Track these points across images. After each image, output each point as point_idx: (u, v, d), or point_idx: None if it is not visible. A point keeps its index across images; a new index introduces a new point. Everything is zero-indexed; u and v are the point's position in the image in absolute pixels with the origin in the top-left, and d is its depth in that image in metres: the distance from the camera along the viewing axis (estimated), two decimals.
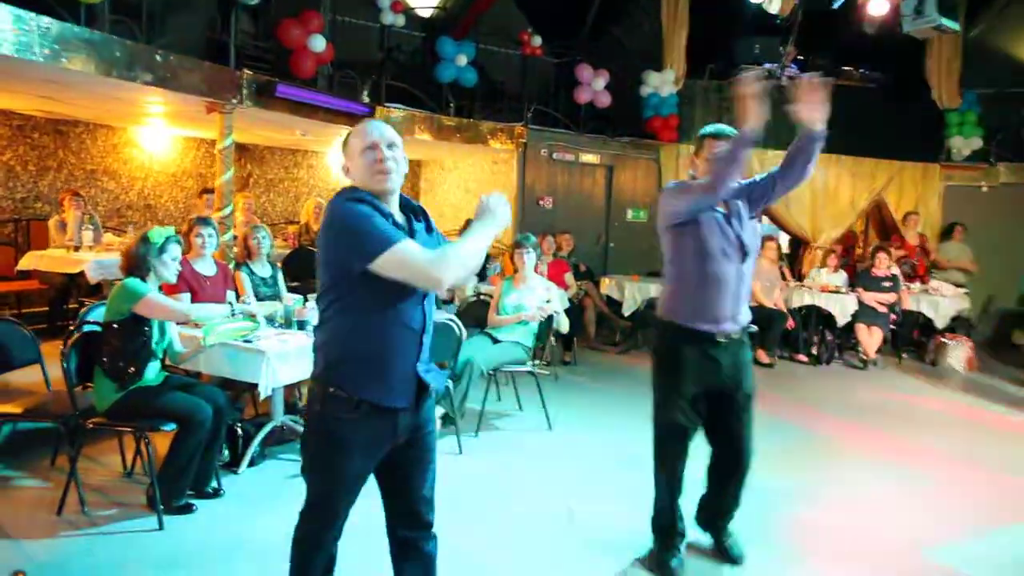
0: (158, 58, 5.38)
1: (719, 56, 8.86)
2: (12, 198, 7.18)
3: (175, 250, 3.16)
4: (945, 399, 6.31)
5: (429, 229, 1.90)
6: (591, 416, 5.05)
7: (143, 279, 3.09)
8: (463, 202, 9.49)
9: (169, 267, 3.15)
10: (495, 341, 4.67)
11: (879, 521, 3.54)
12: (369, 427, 1.78)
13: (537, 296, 4.67)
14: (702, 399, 2.57)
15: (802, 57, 7.62)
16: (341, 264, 1.71)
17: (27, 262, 5.96)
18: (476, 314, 4.98)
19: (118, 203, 8.09)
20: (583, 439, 4.52)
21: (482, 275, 6.34)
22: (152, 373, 3.13)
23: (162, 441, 3.21)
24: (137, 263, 3.05)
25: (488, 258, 6.52)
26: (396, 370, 1.78)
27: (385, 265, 1.66)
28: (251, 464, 3.64)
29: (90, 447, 3.70)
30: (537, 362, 4.60)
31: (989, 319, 8.70)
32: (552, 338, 4.76)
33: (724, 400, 2.57)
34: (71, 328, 3.12)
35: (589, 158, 8.98)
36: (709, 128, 2.51)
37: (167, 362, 3.22)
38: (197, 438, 3.01)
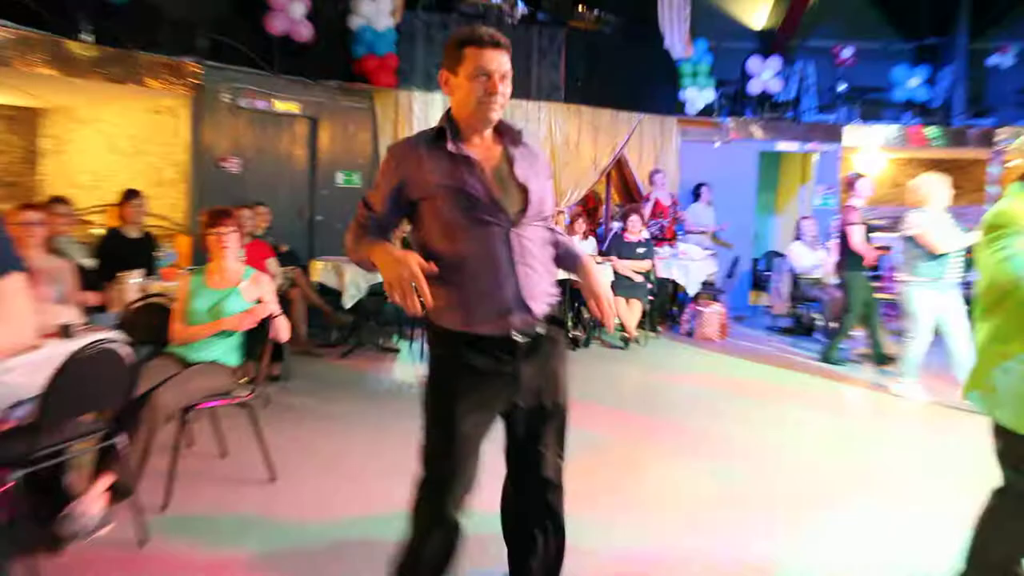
0: None
1: None
2: None
3: None
4: (719, 375, 6.75)
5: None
6: (325, 452, 4.50)
7: None
8: (109, 168, 8.17)
9: None
10: (185, 364, 3.92)
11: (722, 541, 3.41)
12: None
13: (245, 294, 4.13)
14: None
15: None
16: None
17: None
18: (148, 325, 4.13)
19: None
20: (320, 490, 3.94)
21: (149, 267, 5.70)
22: None
23: None
24: None
25: (152, 242, 6.06)
26: None
27: None
28: None
29: None
30: (245, 385, 4.06)
31: (733, 283, 9.36)
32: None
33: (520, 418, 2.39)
34: None
35: (287, 107, 8.36)
36: (468, 32, 2.21)
37: None
38: None
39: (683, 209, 9.35)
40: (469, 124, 2.17)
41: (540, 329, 2.21)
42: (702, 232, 9.35)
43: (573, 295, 7.35)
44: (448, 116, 2.19)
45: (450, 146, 2.12)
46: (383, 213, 2.17)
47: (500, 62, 2.11)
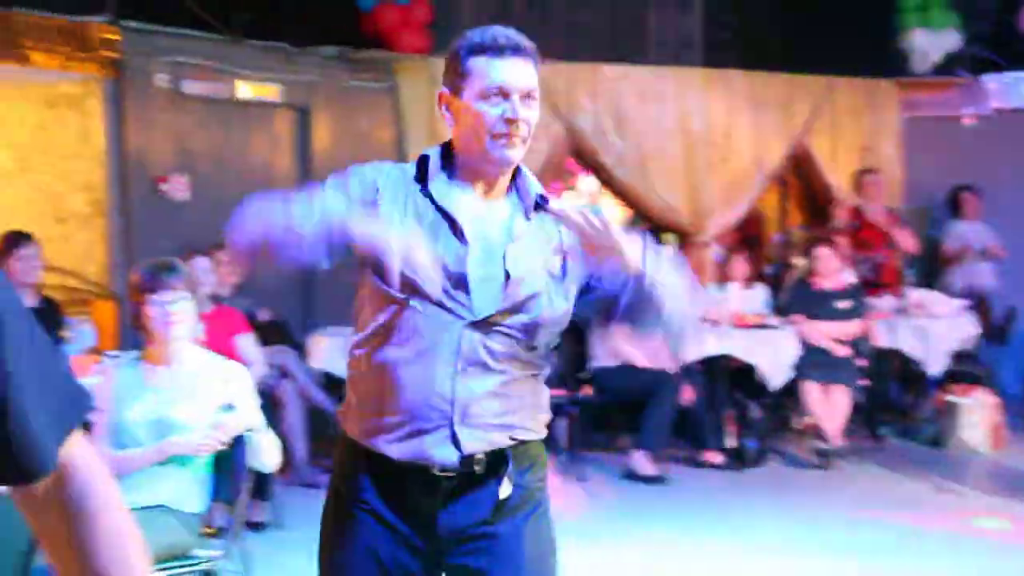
0: None
1: None
2: None
3: None
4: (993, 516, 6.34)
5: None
6: None
7: None
8: None
9: None
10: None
11: None
12: None
13: (206, 396, 4.19)
14: None
15: None
16: None
17: None
18: None
19: None
20: None
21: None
22: None
23: None
24: None
25: (54, 314, 6.10)
26: None
27: None
28: None
29: None
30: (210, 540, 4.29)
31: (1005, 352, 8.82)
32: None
33: None
34: None
35: (260, 91, 8.15)
36: (476, 36, 2.37)
37: None
38: None
39: (938, 231, 9.21)
40: (469, 166, 2.32)
41: (478, 467, 2.37)
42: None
43: (733, 381, 7.47)
44: (443, 149, 2.38)
45: (432, 188, 2.30)
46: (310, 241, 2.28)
47: (521, 75, 2.27)
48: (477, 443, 2.37)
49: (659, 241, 9.13)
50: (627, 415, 7.03)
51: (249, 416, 4.17)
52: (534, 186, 2.40)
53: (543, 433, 2.52)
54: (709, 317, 7.62)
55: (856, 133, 9.50)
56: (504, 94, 2.24)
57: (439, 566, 2.45)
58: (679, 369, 7.12)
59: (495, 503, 2.40)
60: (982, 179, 9.29)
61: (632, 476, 6.69)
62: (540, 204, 2.41)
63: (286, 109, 8.50)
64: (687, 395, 7.11)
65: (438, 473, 2.36)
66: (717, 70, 9.08)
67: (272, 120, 8.51)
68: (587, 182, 9.54)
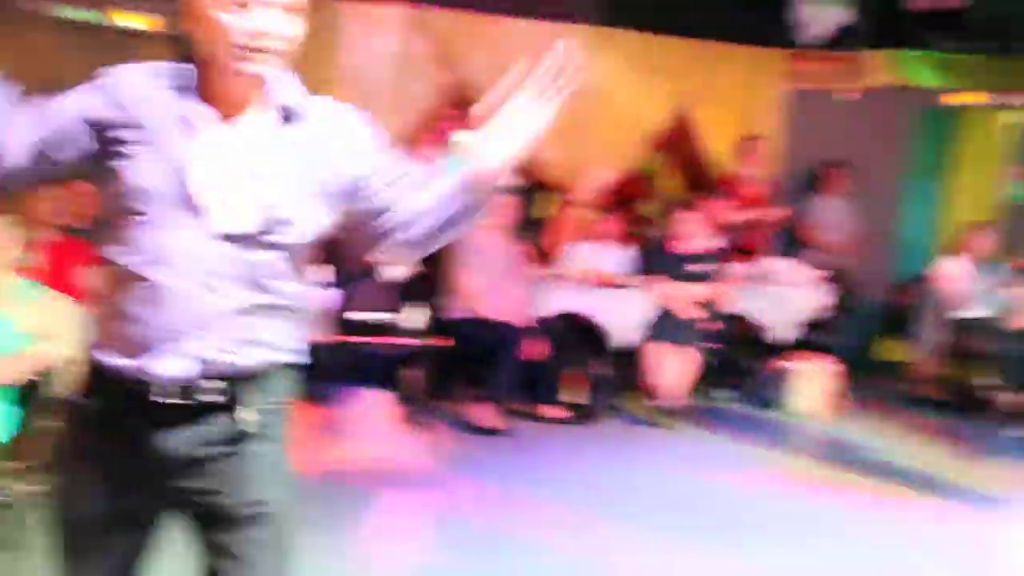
0: None
1: None
2: None
3: None
4: (825, 477, 6.51)
5: None
6: None
7: None
8: None
9: None
10: None
11: None
12: None
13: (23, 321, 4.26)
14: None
15: None
16: None
17: None
18: None
19: None
20: None
21: None
22: None
23: None
24: None
25: None
26: None
27: None
28: None
29: None
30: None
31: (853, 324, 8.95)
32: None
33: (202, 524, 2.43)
34: None
35: (140, 20, 7.82)
36: None
37: None
38: None
39: (804, 204, 9.19)
40: (213, 68, 2.17)
41: (212, 394, 2.27)
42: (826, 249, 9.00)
43: (586, 339, 7.40)
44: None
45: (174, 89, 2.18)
46: (47, 132, 2.16)
47: None
48: (215, 356, 2.25)
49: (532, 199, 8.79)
50: (474, 367, 6.96)
51: (61, 348, 3.97)
52: (297, 93, 2.25)
53: (293, 359, 2.41)
54: (572, 274, 7.67)
55: (740, 102, 9.48)
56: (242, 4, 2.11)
57: (164, 492, 2.34)
58: (529, 324, 7.16)
59: (231, 429, 2.30)
60: (860, 154, 9.33)
61: (474, 428, 6.70)
62: (298, 110, 2.26)
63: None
64: (536, 350, 7.12)
65: (159, 399, 2.24)
66: (606, 29, 8.88)
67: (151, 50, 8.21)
68: (466, 134, 9.25)
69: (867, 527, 5.54)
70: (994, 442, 7.24)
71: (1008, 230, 8.98)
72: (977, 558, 5.26)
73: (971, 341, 8.10)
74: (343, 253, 6.27)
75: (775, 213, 8.75)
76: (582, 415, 7.30)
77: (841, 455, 6.97)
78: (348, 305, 6.66)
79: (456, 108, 8.89)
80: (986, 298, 8.14)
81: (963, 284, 8.16)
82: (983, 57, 9.42)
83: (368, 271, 6.73)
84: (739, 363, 8.39)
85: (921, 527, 5.69)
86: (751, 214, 8.69)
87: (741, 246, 8.45)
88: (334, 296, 6.55)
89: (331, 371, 6.16)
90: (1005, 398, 7.79)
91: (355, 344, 6.56)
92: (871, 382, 8.82)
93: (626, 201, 9.35)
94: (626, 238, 8.01)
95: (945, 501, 6.04)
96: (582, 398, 7.45)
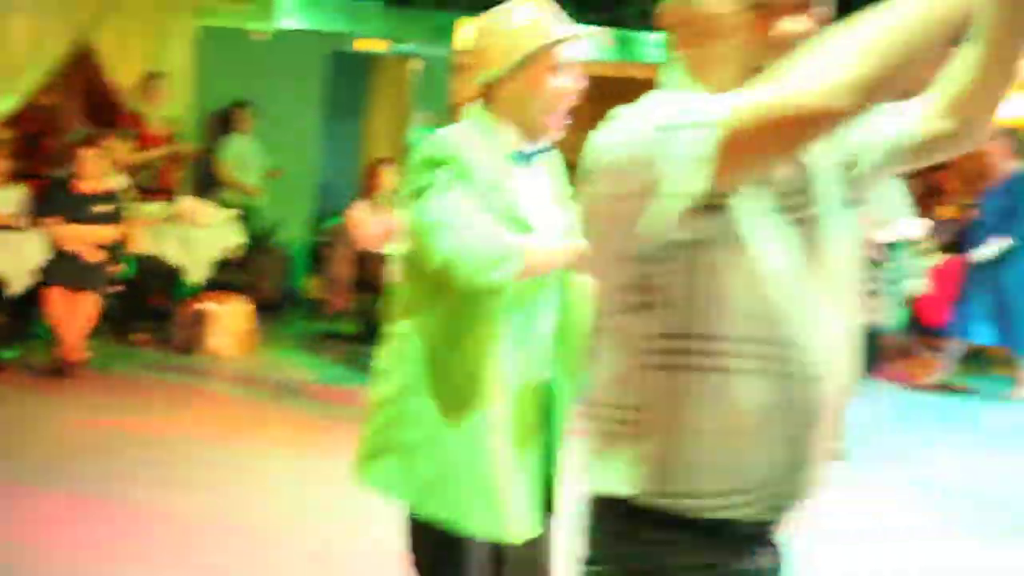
0: None
1: None
2: None
3: None
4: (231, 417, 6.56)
5: None
6: None
7: None
8: None
9: None
10: None
11: None
12: None
13: None
14: None
15: None
16: None
17: None
18: None
19: None
20: None
21: None
22: None
23: None
24: None
25: None
26: None
27: None
28: None
29: None
30: None
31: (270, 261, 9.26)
32: None
33: None
34: None
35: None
36: None
37: None
38: None
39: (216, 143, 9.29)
40: None
41: None
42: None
43: None
44: None
45: None
46: None
47: None
48: None
49: None
50: None
51: None
52: None
53: None
54: None
55: (146, 36, 9.17)
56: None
57: None
58: None
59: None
60: (275, 95, 9.45)
61: None
62: None
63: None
64: None
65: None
66: None
67: None
68: None
69: (287, 464, 5.64)
70: None
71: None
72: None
73: (376, 275, 8.49)
74: None
75: (181, 152, 8.68)
76: None
77: (257, 394, 7.12)
78: None
79: None
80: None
81: (372, 224, 8.55)
82: (383, 5, 9.85)
83: None
84: (153, 306, 8.26)
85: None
86: (156, 153, 8.57)
87: (152, 186, 8.30)
88: None
89: None
90: None
91: None
92: (292, 319, 9.14)
93: (29, 139, 8.88)
94: (19, 177, 7.54)
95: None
96: None
